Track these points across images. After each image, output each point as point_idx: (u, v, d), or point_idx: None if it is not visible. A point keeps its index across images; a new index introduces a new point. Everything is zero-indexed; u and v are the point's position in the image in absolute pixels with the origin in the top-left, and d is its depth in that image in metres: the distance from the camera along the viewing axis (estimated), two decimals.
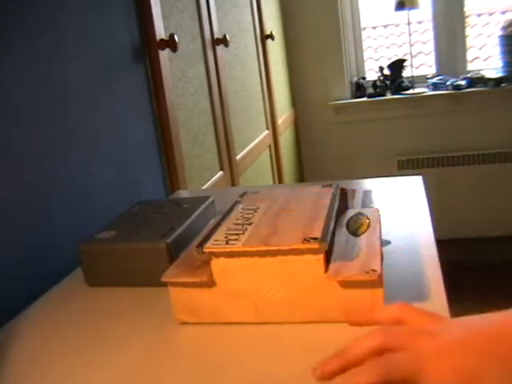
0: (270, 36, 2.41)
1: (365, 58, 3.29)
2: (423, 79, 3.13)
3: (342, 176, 3.05)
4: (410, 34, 3.11)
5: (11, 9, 0.81)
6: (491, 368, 0.39)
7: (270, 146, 2.38)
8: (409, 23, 3.08)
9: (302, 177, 3.24)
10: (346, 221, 0.69)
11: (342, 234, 0.65)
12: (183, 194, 1.25)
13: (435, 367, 0.39)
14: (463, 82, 2.96)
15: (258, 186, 1.79)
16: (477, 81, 2.97)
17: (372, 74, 3.29)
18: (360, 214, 0.71)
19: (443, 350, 0.40)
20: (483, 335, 0.41)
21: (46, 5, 0.89)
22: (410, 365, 0.40)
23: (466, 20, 3.11)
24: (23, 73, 0.83)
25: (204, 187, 1.52)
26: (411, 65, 3.12)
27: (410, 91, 3.08)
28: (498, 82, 2.91)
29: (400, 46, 3.37)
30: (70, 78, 0.95)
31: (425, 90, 3.07)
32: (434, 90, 3.04)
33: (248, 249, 0.58)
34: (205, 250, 0.59)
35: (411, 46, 3.13)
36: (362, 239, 0.63)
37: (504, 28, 2.93)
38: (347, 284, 0.56)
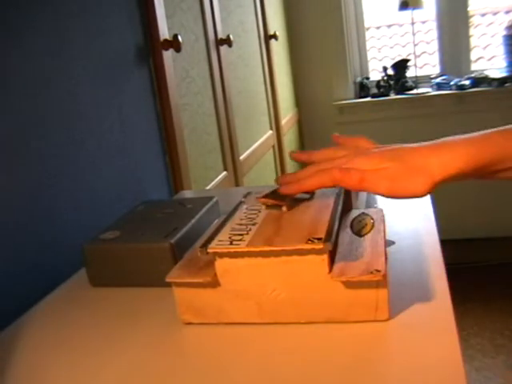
0: (274, 36, 2.41)
1: (368, 58, 3.28)
2: (427, 79, 3.12)
3: None
4: (413, 34, 3.10)
5: (16, 10, 0.82)
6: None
7: (273, 146, 2.38)
8: (412, 23, 3.07)
9: None
10: (349, 221, 0.69)
11: (346, 234, 0.65)
12: (187, 194, 1.26)
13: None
14: (467, 82, 2.95)
15: (261, 186, 1.79)
16: (481, 81, 2.96)
17: (376, 74, 3.29)
18: (364, 214, 0.71)
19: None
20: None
21: (49, 6, 0.90)
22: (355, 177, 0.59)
23: (470, 20, 3.10)
24: (27, 73, 0.83)
25: (208, 187, 1.52)
26: (415, 65, 3.11)
27: (414, 91, 3.08)
28: (502, 81, 2.90)
29: (404, 46, 3.37)
30: (74, 78, 0.95)
31: (429, 89, 3.06)
32: (438, 89, 3.03)
33: (252, 249, 0.58)
34: (209, 250, 0.59)
35: (415, 45, 3.13)
36: (366, 239, 0.63)
37: (508, 28, 2.92)
38: (351, 284, 0.56)
